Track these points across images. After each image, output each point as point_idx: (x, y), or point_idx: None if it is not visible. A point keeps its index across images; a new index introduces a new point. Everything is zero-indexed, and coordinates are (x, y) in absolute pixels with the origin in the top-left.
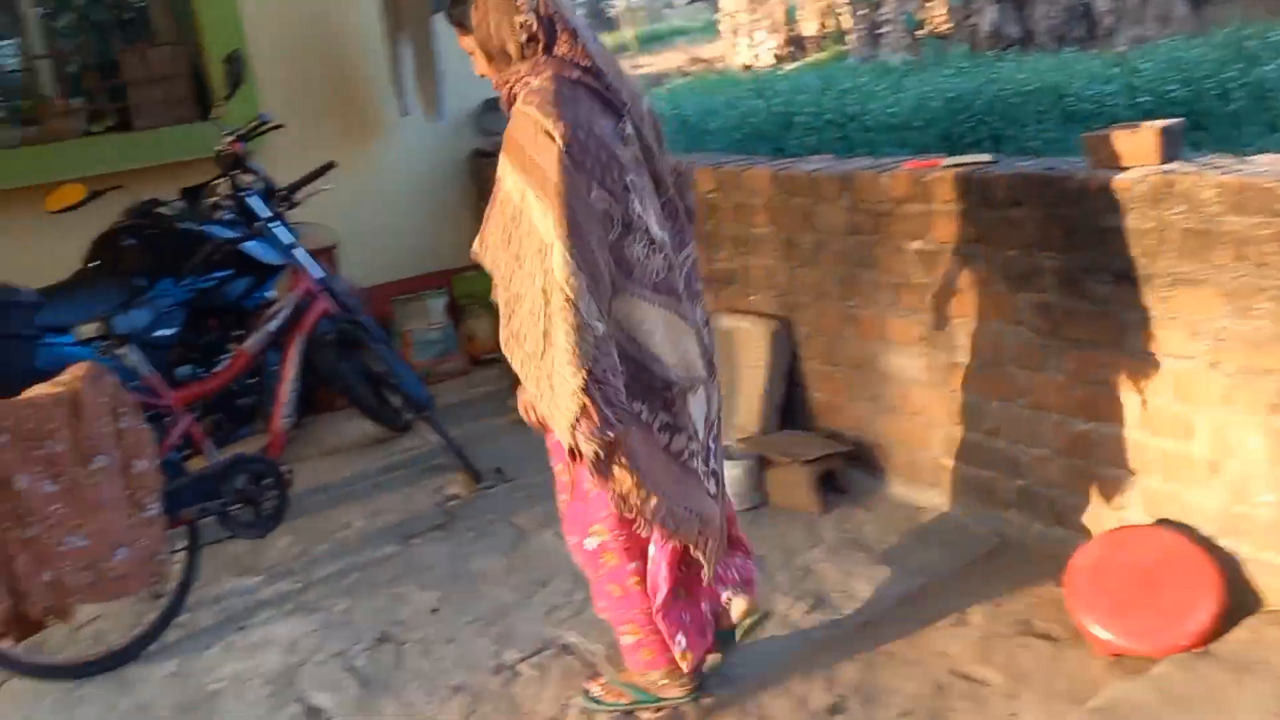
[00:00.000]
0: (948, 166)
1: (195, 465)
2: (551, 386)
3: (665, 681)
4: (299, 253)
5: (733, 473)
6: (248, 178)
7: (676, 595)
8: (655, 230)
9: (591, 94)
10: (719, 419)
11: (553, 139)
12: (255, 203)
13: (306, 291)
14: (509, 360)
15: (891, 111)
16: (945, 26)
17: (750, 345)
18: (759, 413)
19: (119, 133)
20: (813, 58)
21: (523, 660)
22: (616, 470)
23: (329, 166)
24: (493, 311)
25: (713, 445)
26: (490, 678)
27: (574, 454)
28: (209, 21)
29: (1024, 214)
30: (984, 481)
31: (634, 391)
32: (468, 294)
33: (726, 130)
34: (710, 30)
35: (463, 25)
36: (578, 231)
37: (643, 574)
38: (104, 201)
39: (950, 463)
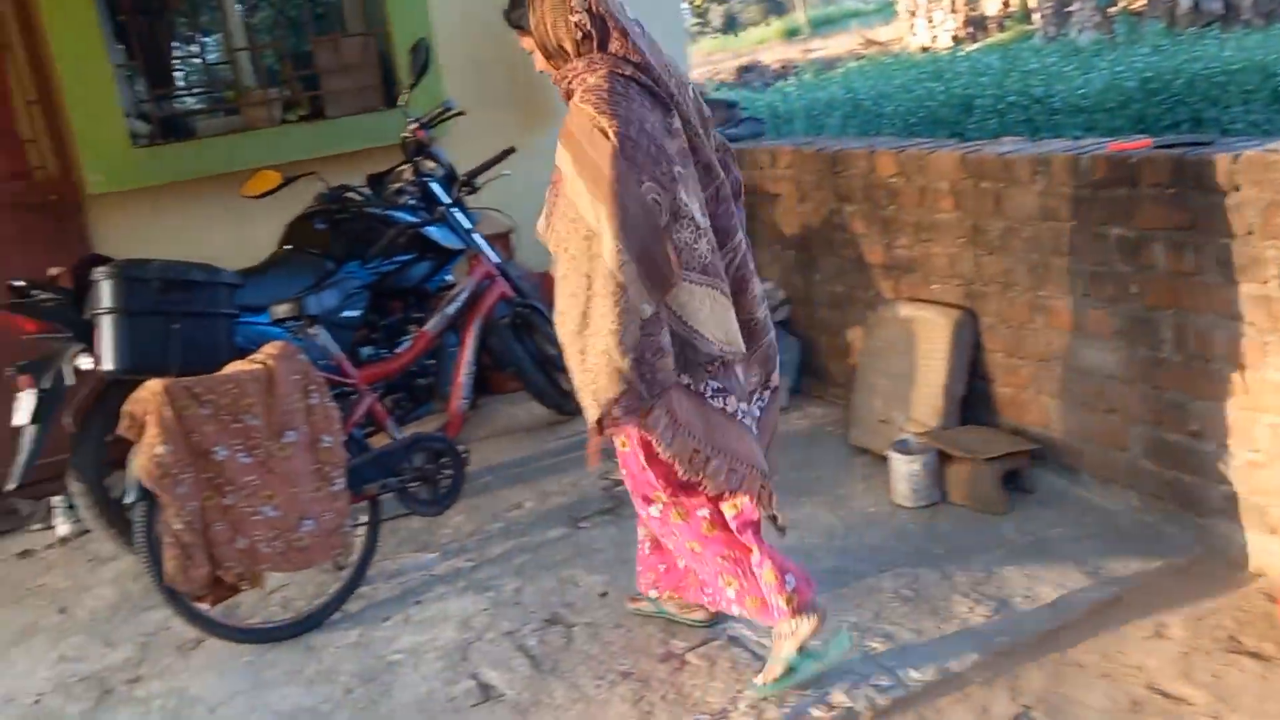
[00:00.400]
0: (1158, 147)
1: (377, 443)
2: (586, 363)
3: (791, 628)
4: (478, 238)
5: (910, 468)
6: (430, 164)
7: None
8: (699, 217)
9: (642, 89)
10: (765, 385)
11: (606, 136)
12: (437, 188)
13: (485, 275)
14: (559, 333)
15: (1081, 93)
16: (1140, 3)
17: (930, 335)
18: (938, 406)
19: (311, 121)
20: (994, 38)
21: (690, 650)
22: (676, 440)
23: (509, 152)
24: None
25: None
26: (658, 665)
27: (601, 426)
28: (397, 11)
29: (1245, 199)
30: (1186, 486)
31: (681, 364)
32: None
33: (901, 114)
34: (886, 12)
35: (521, 27)
36: (627, 222)
37: (713, 518)
38: (296, 187)
39: (1149, 465)
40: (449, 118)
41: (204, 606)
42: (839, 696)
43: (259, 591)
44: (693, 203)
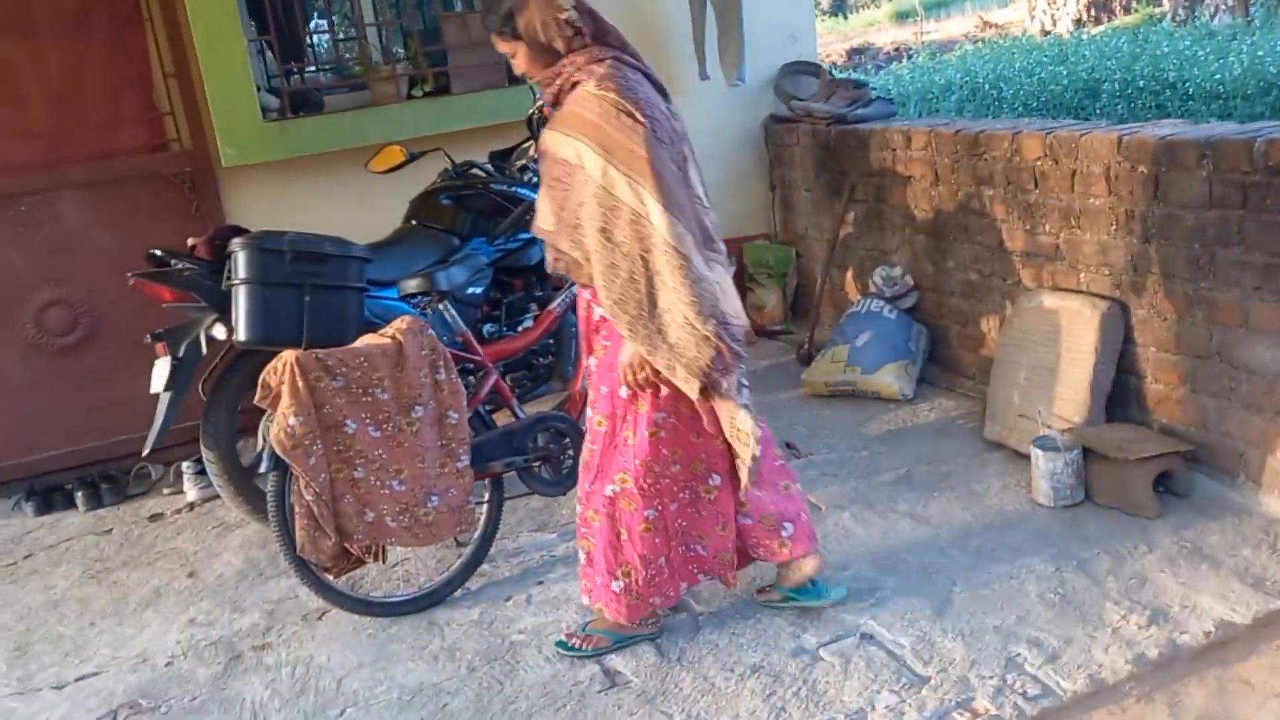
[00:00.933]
0: None
1: (500, 421)
2: (668, 341)
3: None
4: None
5: (1054, 465)
6: None
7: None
8: (702, 194)
9: (645, 76)
10: None
11: (636, 119)
12: None
13: None
14: (616, 325)
15: (1217, 79)
16: None
17: (1076, 327)
18: (1083, 402)
19: (437, 97)
20: (1119, 21)
21: (822, 646)
22: (738, 402)
23: None
24: (781, 282)
25: None
26: (789, 660)
27: (705, 393)
28: None
29: None
30: None
31: None
32: (757, 263)
33: (1022, 98)
34: None
35: (502, 33)
36: (674, 197)
37: (654, 522)
38: (421, 163)
39: None
40: None
41: (329, 577)
42: (983, 703)
43: (381, 565)
44: (697, 180)
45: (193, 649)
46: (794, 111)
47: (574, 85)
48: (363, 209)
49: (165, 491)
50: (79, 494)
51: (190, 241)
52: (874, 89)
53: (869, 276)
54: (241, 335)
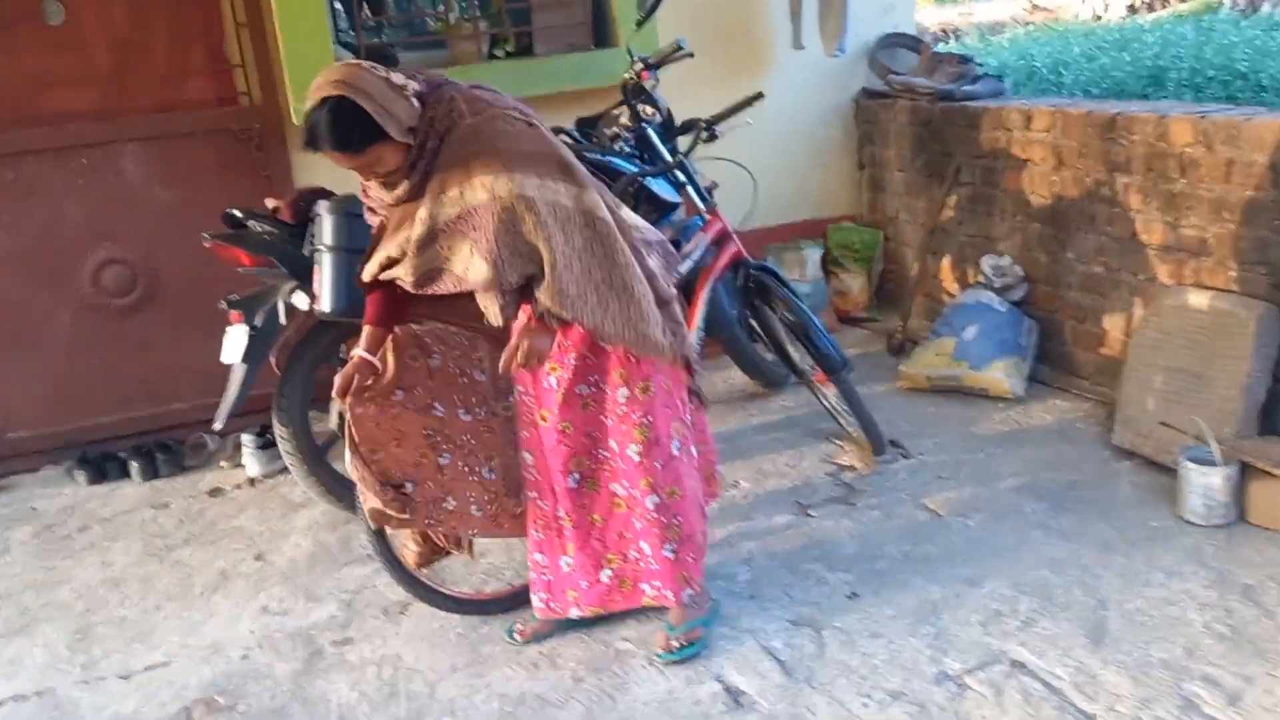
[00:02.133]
0: None
1: None
2: (647, 319)
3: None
4: (697, 192)
5: (1207, 480)
6: (649, 109)
7: None
8: None
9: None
10: None
11: (528, 121)
12: (656, 136)
13: (720, 233)
14: (592, 328)
15: None
16: None
17: (1228, 330)
18: (1234, 412)
19: (519, 58)
20: (1175, 8)
21: (968, 673)
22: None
23: (756, 98)
24: (866, 265)
25: None
26: (932, 688)
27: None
28: None
29: None
30: None
31: None
32: (842, 246)
33: (1082, 84)
34: None
35: (362, 146)
36: (591, 178)
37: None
38: None
39: None
40: (680, 58)
41: (411, 566)
42: None
43: (467, 558)
44: None
45: (268, 640)
46: (892, 86)
47: (445, 132)
48: None
49: (223, 465)
50: (134, 464)
51: (270, 203)
52: (980, 64)
53: (969, 264)
54: (325, 306)
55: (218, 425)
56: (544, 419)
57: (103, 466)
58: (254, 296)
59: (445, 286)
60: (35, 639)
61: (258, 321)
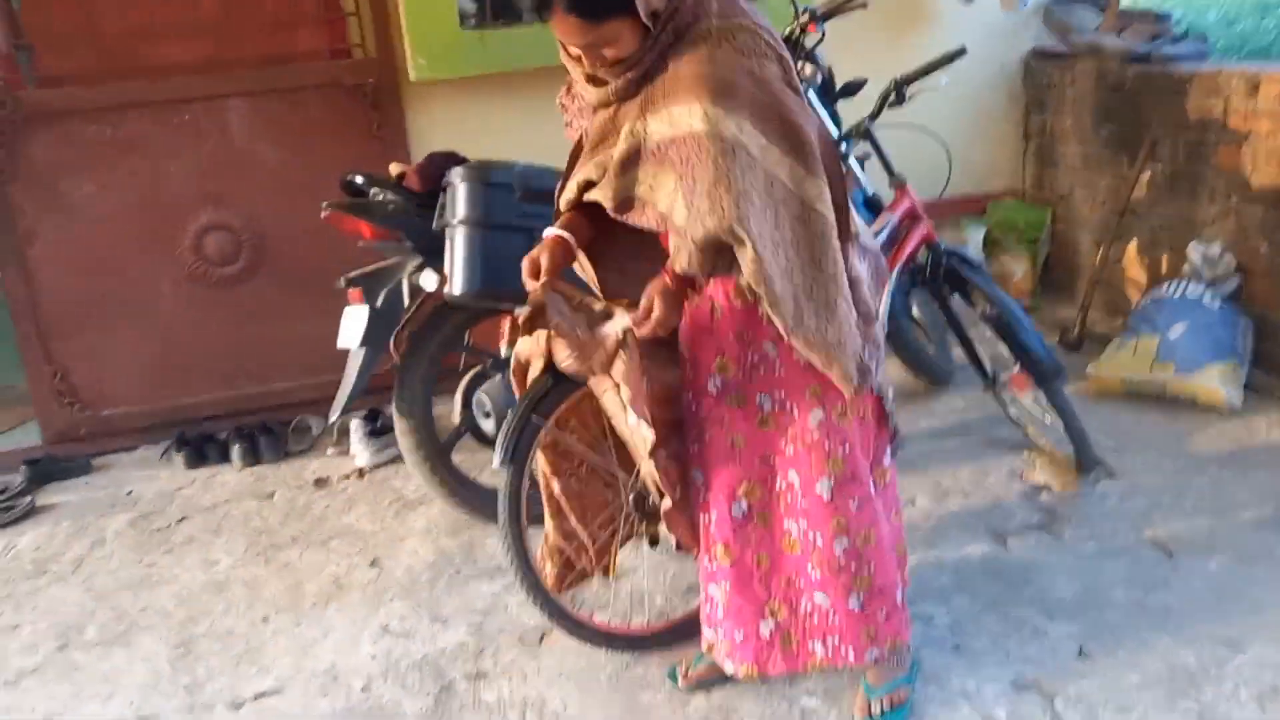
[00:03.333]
0: None
1: None
2: (843, 344)
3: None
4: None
5: None
6: (809, 68)
7: None
8: None
9: None
10: None
11: (779, 55)
12: (817, 101)
13: (909, 213)
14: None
15: None
16: None
17: None
18: None
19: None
20: None
21: None
22: None
23: (958, 54)
24: (1032, 249)
25: None
26: None
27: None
28: None
29: None
30: None
31: None
32: (1003, 225)
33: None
34: None
35: (604, 16)
36: (821, 165)
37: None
38: None
39: None
40: (854, 8)
41: (552, 591)
42: None
43: (610, 578)
44: None
45: (393, 669)
46: (1073, 46)
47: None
48: (554, 135)
49: (329, 452)
50: (235, 447)
51: (396, 168)
52: (1178, 22)
53: (1161, 252)
54: (457, 288)
55: (333, 417)
56: (707, 430)
57: (202, 449)
58: (376, 274)
59: (648, 220)
60: (135, 651)
61: (379, 303)
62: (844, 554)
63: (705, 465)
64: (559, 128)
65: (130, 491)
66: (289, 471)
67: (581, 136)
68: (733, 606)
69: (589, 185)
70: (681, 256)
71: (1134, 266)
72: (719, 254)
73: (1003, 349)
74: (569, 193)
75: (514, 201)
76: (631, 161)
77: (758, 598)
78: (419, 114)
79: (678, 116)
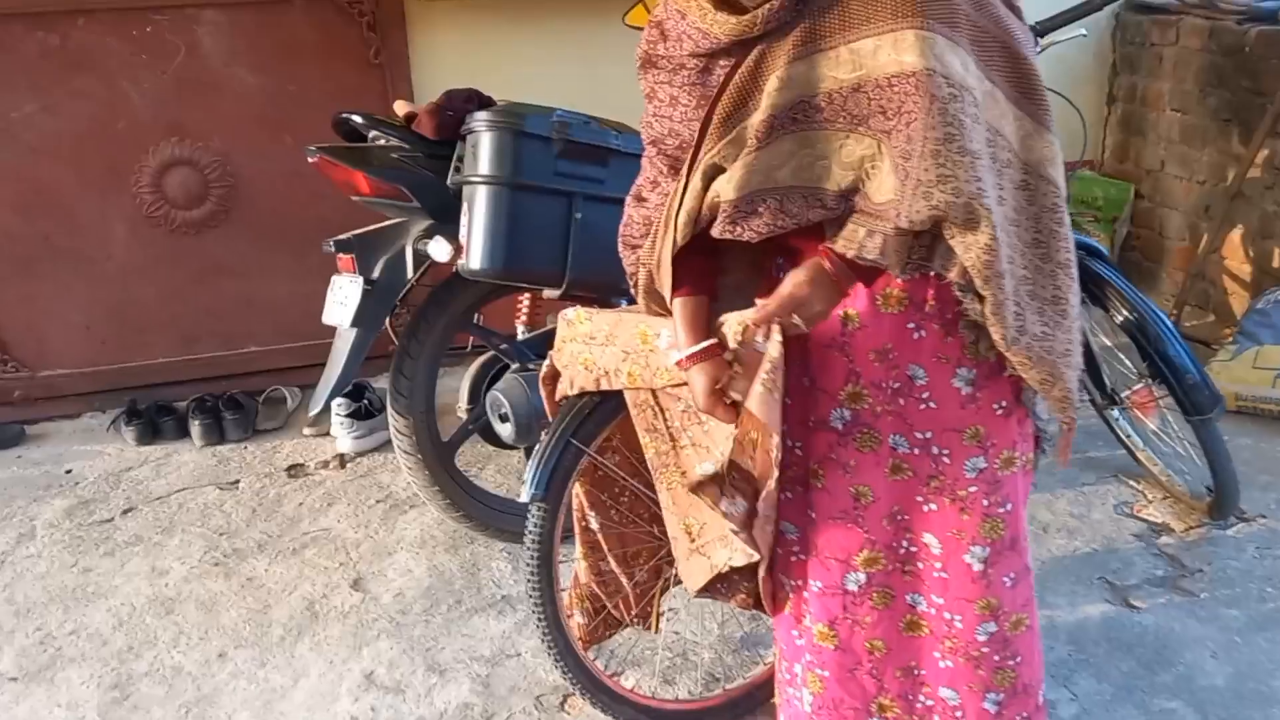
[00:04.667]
0: None
1: None
2: (1071, 353)
3: None
4: None
5: None
6: None
7: None
8: None
9: None
10: None
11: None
12: None
13: None
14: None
15: None
16: None
17: None
18: None
19: None
20: None
21: None
22: None
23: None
24: (1109, 227)
25: None
26: None
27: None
28: None
29: None
30: None
31: None
32: (1080, 200)
33: None
34: None
35: None
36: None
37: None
38: None
39: None
40: None
41: (579, 646)
42: None
43: (651, 633)
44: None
45: None
46: (1181, 0)
47: None
48: (586, 75)
49: (306, 431)
50: (195, 423)
51: (403, 108)
52: None
53: (1277, 243)
54: (475, 262)
55: (314, 409)
56: (819, 477)
57: (156, 422)
58: (373, 238)
59: (788, 219)
60: (57, 692)
61: (376, 273)
62: (988, 642)
63: (809, 521)
64: (603, 61)
65: (69, 470)
66: (258, 453)
67: (707, 113)
68: (829, 700)
69: (715, 173)
70: (871, 241)
71: (1237, 258)
72: (918, 240)
73: (1131, 363)
74: (684, 213)
75: (551, 157)
76: (781, 125)
77: (865, 693)
78: (425, 41)
79: (871, 51)
